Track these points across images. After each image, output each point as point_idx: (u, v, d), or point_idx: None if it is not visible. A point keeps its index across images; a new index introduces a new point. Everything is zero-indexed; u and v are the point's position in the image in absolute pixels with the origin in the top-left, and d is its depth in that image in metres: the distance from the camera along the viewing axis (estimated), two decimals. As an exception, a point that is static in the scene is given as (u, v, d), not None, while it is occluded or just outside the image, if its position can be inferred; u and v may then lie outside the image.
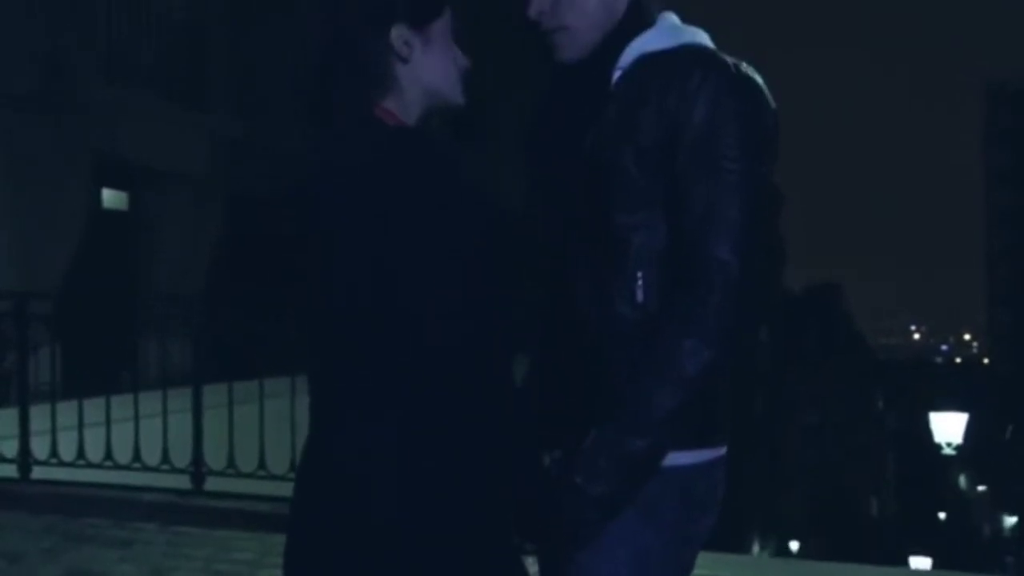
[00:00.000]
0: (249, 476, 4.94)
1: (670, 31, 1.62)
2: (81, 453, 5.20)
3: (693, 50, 1.59)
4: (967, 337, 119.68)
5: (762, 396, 39.16)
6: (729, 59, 1.58)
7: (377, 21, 1.53)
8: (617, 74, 1.60)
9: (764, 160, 1.55)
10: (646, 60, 1.58)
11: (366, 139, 1.50)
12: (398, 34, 1.54)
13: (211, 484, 5.07)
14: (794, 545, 38.21)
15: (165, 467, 5.10)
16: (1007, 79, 43.85)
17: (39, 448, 5.28)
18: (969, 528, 38.65)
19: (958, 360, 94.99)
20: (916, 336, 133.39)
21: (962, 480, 45.56)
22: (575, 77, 1.64)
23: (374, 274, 1.42)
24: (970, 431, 15.18)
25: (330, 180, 1.48)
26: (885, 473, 50.02)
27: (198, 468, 5.08)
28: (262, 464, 4.99)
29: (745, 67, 1.59)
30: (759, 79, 1.59)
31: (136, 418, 5.17)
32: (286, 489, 5.19)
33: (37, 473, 5.31)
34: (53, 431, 5.26)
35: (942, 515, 42.31)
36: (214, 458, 5.09)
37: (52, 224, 9.03)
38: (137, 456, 5.14)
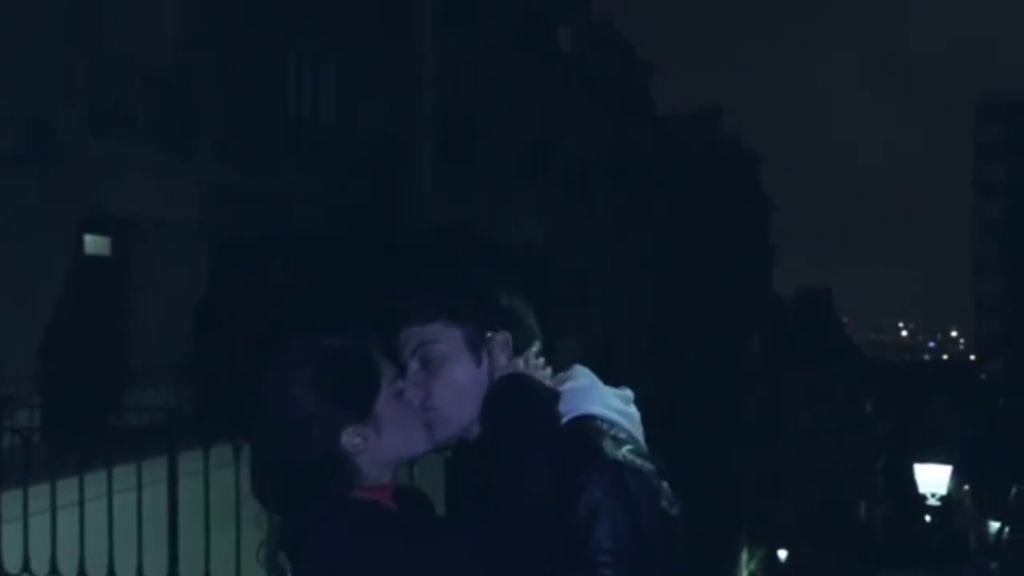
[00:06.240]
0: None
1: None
2: (54, 566, 5.12)
3: (577, 433, 1.49)
4: (954, 334, 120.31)
5: (753, 401, 39.32)
6: (620, 453, 1.47)
7: (326, 441, 1.51)
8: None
9: (662, 558, 1.46)
10: None
11: (343, 527, 1.49)
12: (348, 438, 1.52)
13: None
14: (782, 553, 38.36)
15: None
16: (996, 93, 44.06)
17: (10, 536, 5.21)
18: (954, 532, 38.87)
19: (945, 357, 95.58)
20: (904, 333, 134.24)
21: (949, 482, 45.87)
22: (465, 451, 1.58)
23: None
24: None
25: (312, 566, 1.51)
26: (875, 477, 50.31)
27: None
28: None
29: (635, 460, 1.48)
30: (648, 466, 1.49)
31: (110, 492, 5.12)
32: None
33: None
34: (25, 517, 5.20)
35: (928, 518, 42.60)
36: (189, 557, 5.04)
37: (39, 279, 8.96)
38: (111, 569, 5.06)
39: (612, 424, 1.53)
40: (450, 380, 1.55)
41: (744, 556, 36.34)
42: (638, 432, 1.57)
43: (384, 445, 1.54)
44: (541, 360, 1.58)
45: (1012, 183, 39.15)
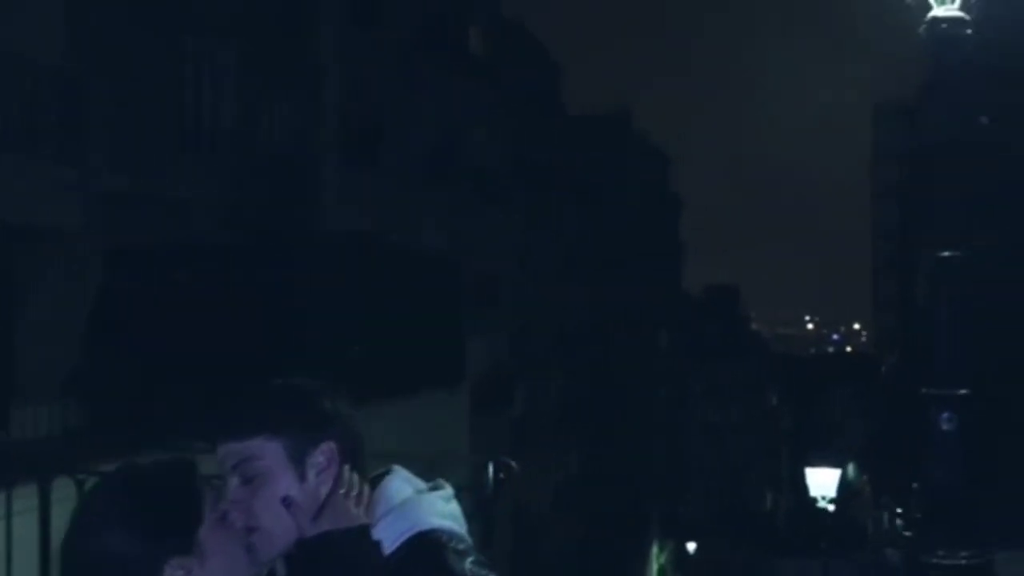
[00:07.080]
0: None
1: (392, 520, 1.51)
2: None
3: (420, 552, 1.47)
4: (857, 327, 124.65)
5: (661, 397, 40.04)
6: (465, 566, 1.47)
7: (146, 572, 1.43)
8: None
9: None
10: None
11: None
12: (171, 571, 1.45)
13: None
14: (691, 546, 39.18)
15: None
16: (892, 100, 45.77)
17: None
18: (851, 519, 40.26)
19: (849, 349, 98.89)
20: (810, 326, 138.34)
21: (851, 469, 47.56)
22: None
23: None
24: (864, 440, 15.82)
25: None
26: (779, 469, 51.80)
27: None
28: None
29: (479, 570, 1.48)
30: (491, 575, 1.50)
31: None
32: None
33: None
34: None
35: (831, 507, 44.00)
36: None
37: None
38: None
39: (451, 535, 1.51)
40: (273, 499, 1.49)
41: (654, 550, 37.00)
42: (464, 529, 1.56)
43: (208, 575, 1.48)
44: (357, 487, 1.52)
45: (905, 187, 40.72)
